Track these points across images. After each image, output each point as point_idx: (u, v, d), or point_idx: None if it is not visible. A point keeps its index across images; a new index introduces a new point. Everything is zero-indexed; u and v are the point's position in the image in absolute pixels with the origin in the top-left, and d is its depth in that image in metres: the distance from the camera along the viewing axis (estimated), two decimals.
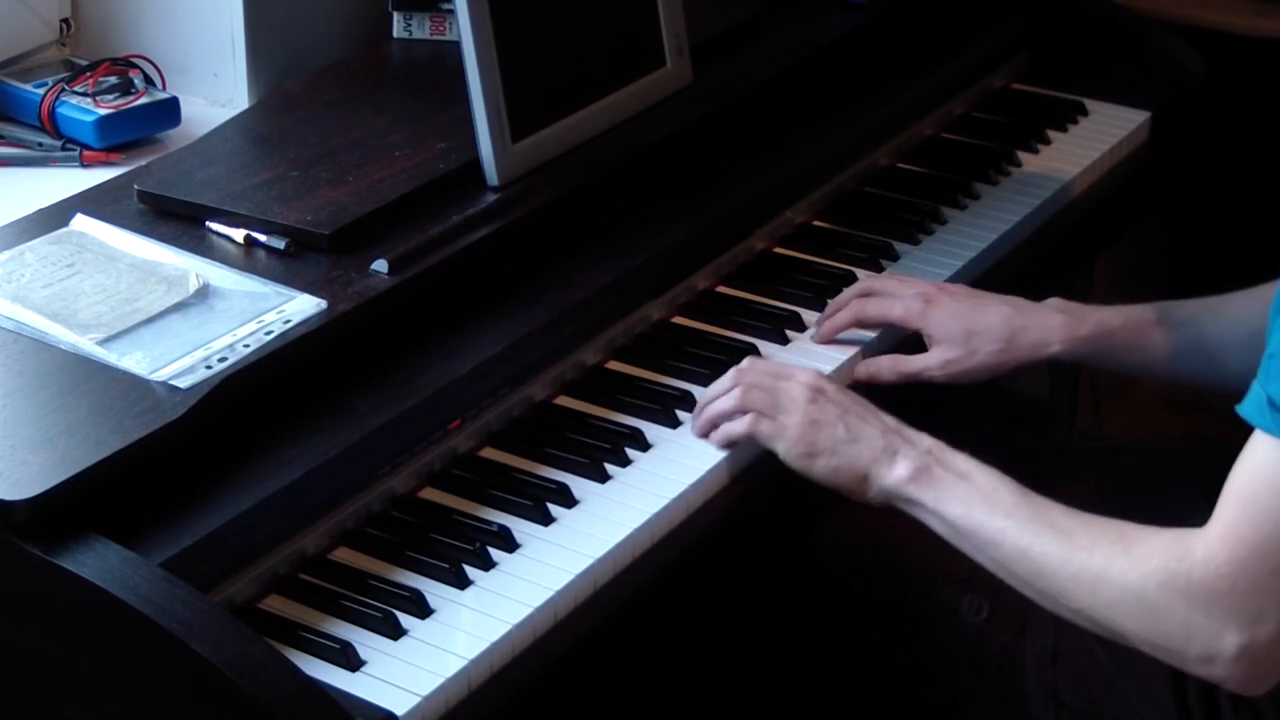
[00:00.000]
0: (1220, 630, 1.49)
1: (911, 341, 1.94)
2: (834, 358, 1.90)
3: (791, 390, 1.72)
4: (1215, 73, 2.51)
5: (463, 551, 1.59)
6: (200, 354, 1.61)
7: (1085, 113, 2.46)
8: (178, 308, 1.68)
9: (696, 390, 1.81)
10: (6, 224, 1.84)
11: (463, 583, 1.57)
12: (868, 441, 1.68)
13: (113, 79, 2.13)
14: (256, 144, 1.97)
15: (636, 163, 2.02)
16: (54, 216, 1.83)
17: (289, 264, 1.76)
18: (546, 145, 1.94)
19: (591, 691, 1.62)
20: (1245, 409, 1.50)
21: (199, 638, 1.37)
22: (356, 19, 2.29)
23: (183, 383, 1.58)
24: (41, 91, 2.11)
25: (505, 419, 1.77)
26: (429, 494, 1.69)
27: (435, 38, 2.24)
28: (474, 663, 1.49)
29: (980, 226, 2.18)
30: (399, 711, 1.43)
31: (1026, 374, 1.97)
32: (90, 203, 1.86)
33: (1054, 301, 1.93)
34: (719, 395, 1.75)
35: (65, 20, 2.25)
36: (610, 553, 1.62)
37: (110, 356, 1.61)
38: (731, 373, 1.77)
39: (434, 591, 1.56)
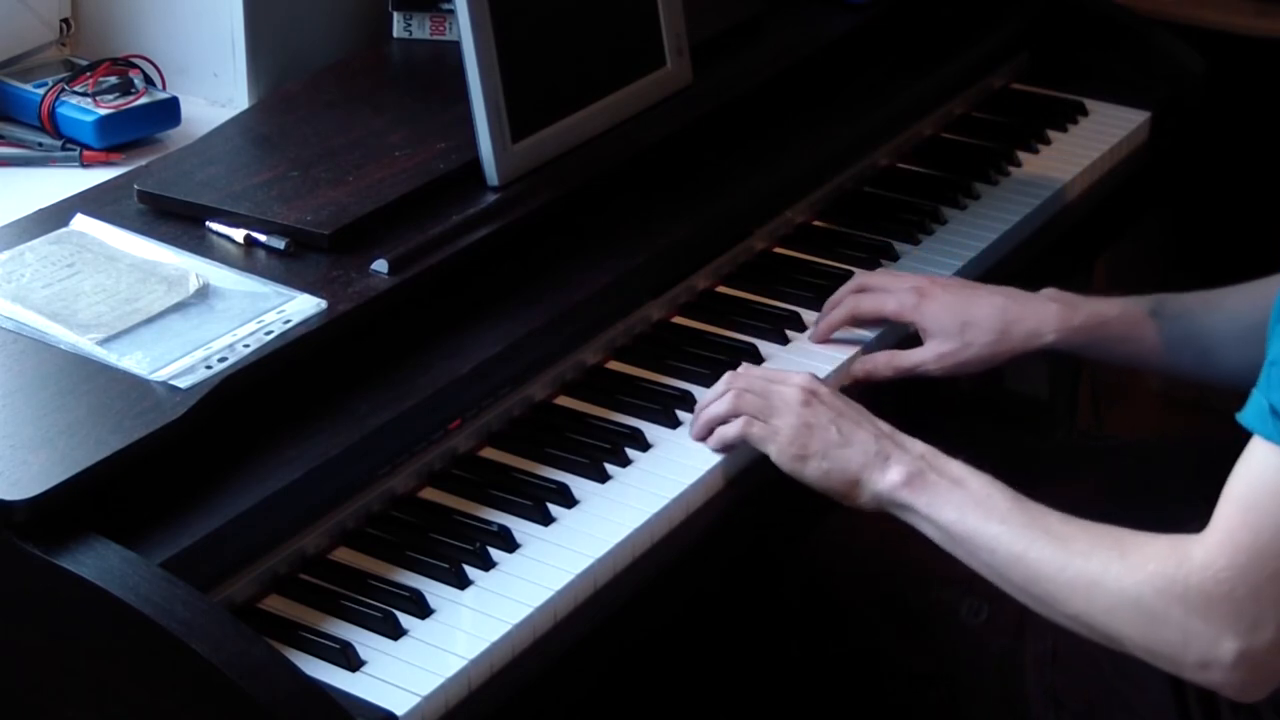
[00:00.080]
0: (1218, 636, 1.48)
1: (911, 341, 1.94)
2: (834, 358, 1.90)
3: (785, 393, 1.72)
4: (1215, 73, 2.51)
5: (463, 551, 1.59)
6: (200, 354, 1.61)
7: (1085, 113, 2.46)
8: (178, 308, 1.68)
9: (696, 390, 1.81)
10: (6, 224, 1.84)
11: (463, 583, 1.57)
12: (860, 445, 1.68)
13: (113, 79, 2.13)
14: (256, 144, 1.97)
15: (636, 163, 2.02)
16: (54, 216, 1.83)
17: (289, 264, 1.76)
18: (546, 145, 1.94)
19: (591, 691, 1.62)
20: (1245, 416, 1.49)
21: (199, 638, 1.37)
22: (356, 19, 2.29)
23: (183, 383, 1.58)
24: (41, 91, 2.11)
25: (505, 419, 1.77)
26: (429, 494, 1.69)
27: (435, 38, 2.24)
28: (474, 663, 1.49)
29: (980, 226, 2.18)
30: (399, 711, 1.43)
31: (1026, 374, 1.97)
32: (90, 203, 1.85)
33: (1049, 291, 1.93)
34: (713, 400, 1.75)
35: (65, 20, 2.25)
36: (610, 553, 1.62)
37: (110, 356, 1.61)
38: (726, 377, 1.77)
39: (434, 591, 1.56)
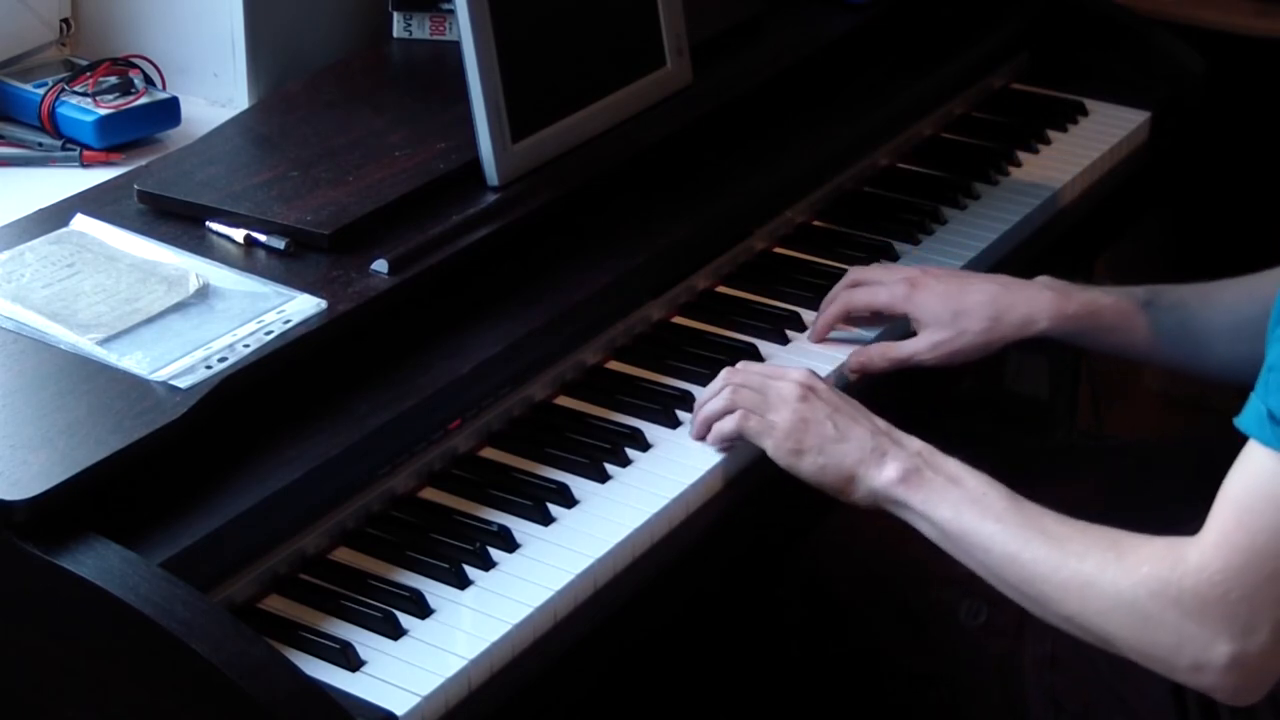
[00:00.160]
0: (1212, 640, 1.48)
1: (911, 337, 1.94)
2: (833, 357, 1.90)
3: (782, 389, 1.72)
4: (1215, 73, 2.51)
5: (463, 551, 1.59)
6: (200, 354, 1.61)
7: (1085, 113, 2.46)
8: (178, 308, 1.68)
9: (696, 390, 1.81)
10: (6, 224, 1.84)
11: (463, 583, 1.57)
12: (857, 441, 1.68)
13: (113, 79, 2.13)
14: (256, 144, 1.97)
15: (636, 163, 2.02)
16: (54, 216, 1.83)
17: (289, 264, 1.76)
18: (546, 145, 1.94)
19: (591, 691, 1.62)
20: (1243, 421, 1.49)
21: (199, 638, 1.37)
22: (356, 19, 2.29)
23: (183, 383, 1.58)
24: (41, 91, 2.11)
25: (505, 419, 1.77)
26: (429, 494, 1.69)
27: (435, 38, 2.24)
28: (474, 663, 1.49)
29: (980, 226, 2.18)
30: (399, 711, 1.44)
31: (1026, 374, 1.97)
32: (90, 203, 1.85)
33: (1042, 279, 1.93)
34: (711, 397, 1.75)
35: (65, 20, 2.25)
36: (610, 553, 1.62)
37: (110, 356, 1.61)
38: (723, 373, 1.77)
39: (434, 591, 1.56)
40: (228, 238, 1.79)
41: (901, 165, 2.31)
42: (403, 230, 1.80)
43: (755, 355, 1.90)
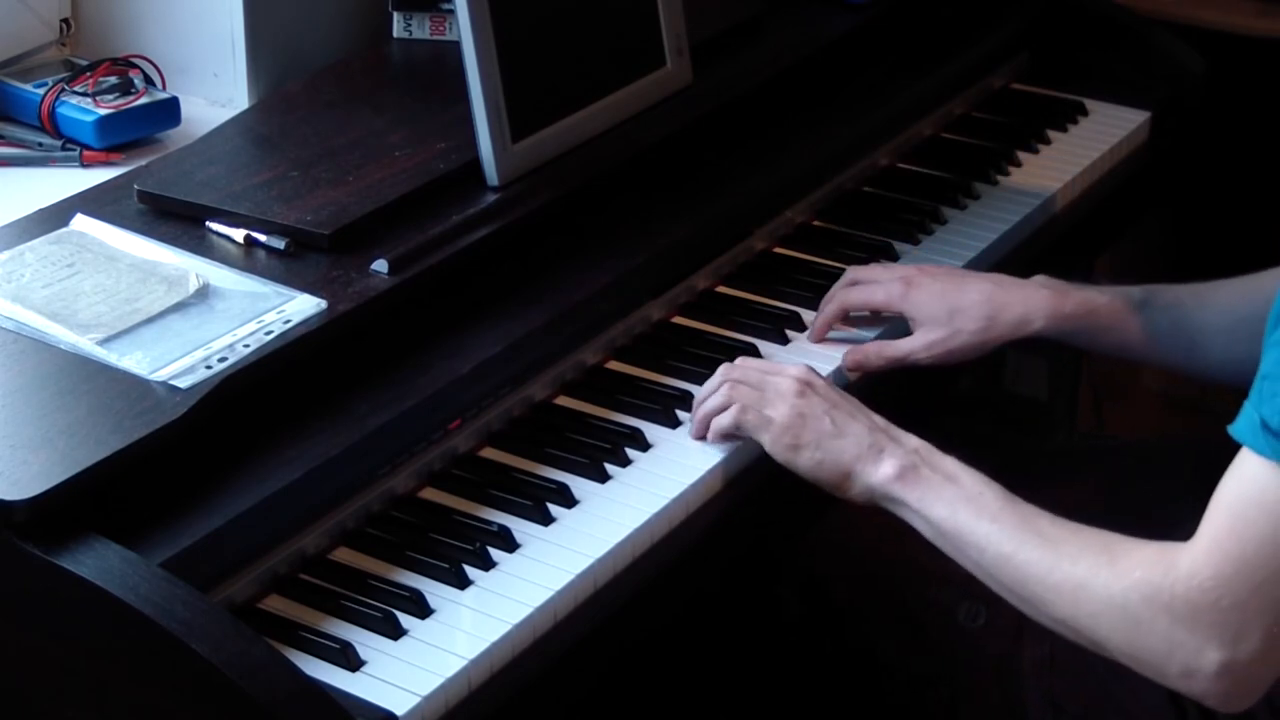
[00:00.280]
0: (1202, 646, 1.48)
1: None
2: (833, 357, 1.90)
3: (780, 384, 1.72)
4: (1215, 73, 2.51)
5: (463, 551, 1.59)
6: (200, 354, 1.61)
7: (1085, 113, 2.46)
8: (178, 308, 1.68)
9: (696, 390, 1.81)
10: (6, 224, 1.84)
11: (463, 583, 1.57)
12: (854, 437, 1.68)
13: (113, 79, 2.13)
14: (256, 144, 1.97)
15: (636, 163, 2.02)
16: (54, 216, 1.83)
17: (289, 264, 1.76)
18: (546, 145, 1.94)
19: (591, 691, 1.62)
20: (1236, 429, 1.48)
21: (199, 638, 1.37)
22: (356, 19, 2.29)
23: (183, 383, 1.58)
24: (41, 91, 2.11)
25: (505, 419, 1.77)
26: (429, 494, 1.69)
27: (435, 38, 2.24)
28: (474, 663, 1.49)
29: (980, 226, 2.18)
30: (399, 711, 1.44)
31: (1026, 374, 1.97)
32: (90, 203, 1.86)
33: (1039, 278, 1.93)
34: (709, 394, 1.75)
35: (65, 20, 2.25)
36: (610, 553, 1.62)
37: (110, 356, 1.61)
38: (722, 369, 1.77)
39: (434, 591, 1.56)
40: (228, 238, 1.79)
41: (901, 165, 2.31)
42: (403, 230, 1.80)
43: (755, 355, 1.90)
